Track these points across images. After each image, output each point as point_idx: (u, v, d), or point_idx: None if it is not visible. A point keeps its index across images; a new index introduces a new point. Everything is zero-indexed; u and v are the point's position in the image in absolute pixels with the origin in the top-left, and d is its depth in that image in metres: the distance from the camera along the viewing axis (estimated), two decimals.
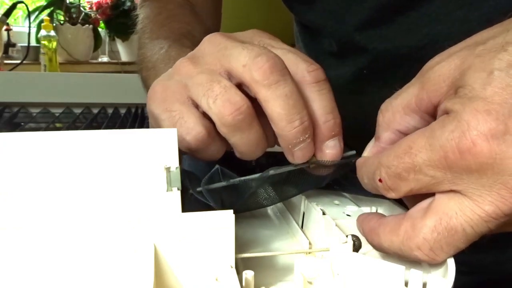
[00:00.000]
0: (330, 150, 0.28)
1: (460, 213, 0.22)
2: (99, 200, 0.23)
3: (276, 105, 0.25)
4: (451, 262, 0.23)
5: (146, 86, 0.47)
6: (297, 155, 0.27)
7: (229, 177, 0.28)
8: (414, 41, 0.42)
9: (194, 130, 0.27)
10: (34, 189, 0.22)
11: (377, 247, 0.26)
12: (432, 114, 0.25)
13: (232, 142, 0.27)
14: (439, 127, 0.22)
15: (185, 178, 0.27)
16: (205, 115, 0.27)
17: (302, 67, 0.27)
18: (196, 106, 0.28)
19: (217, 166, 0.28)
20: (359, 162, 0.27)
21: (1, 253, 0.21)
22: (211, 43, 0.28)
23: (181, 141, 0.27)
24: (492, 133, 0.20)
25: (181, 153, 0.27)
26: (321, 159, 0.28)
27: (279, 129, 0.26)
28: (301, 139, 0.26)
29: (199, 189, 0.27)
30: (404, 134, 0.26)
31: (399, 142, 0.24)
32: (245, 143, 0.27)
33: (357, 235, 0.27)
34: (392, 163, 0.23)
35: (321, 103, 0.27)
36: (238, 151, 0.28)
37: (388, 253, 0.25)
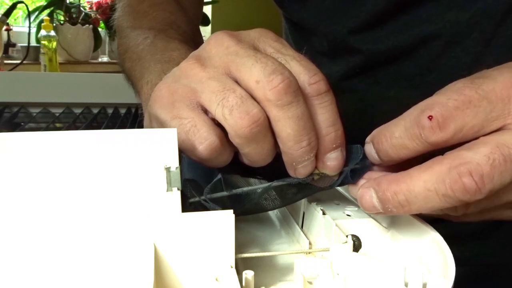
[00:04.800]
0: (331, 162, 0.27)
1: None
2: (99, 200, 0.23)
3: (287, 125, 0.25)
4: (451, 262, 0.23)
5: (131, 77, 0.46)
6: (299, 172, 0.27)
7: (231, 187, 0.27)
8: (405, 41, 0.43)
9: (208, 140, 0.26)
10: (34, 189, 0.22)
11: (404, 193, 0.23)
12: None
13: (245, 152, 0.27)
14: (501, 70, 0.23)
15: (187, 186, 0.27)
16: (215, 122, 0.26)
17: (304, 79, 0.26)
18: (206, 111, 0.27)
19: (219, 176, 0.27)
20: (375, 131, 0.26)
21: (1, 253, 0.21)
22: (218, 44, 0.27)
23: (192, 150, 0.26)
24: None
25: (181, 153, 0.27)
26: (323, 171, 0.27)
27: (286, 148, 0.26)
28: (306, 158, 0.26)
29: (202, 197, 0.27)
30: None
31: (456, 81, 0.24)
32: (259, 153, 0.26)
33: (357, 235, 0.27)
34: (450, 97, 0.23)
35: (323, 117, 0.26)
36: (250, 160, 0.27)
37: (411, 203, 0.23)
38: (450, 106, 0.23)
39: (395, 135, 0.24)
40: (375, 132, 0.26)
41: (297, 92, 0.25)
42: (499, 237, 0.49)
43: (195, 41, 0.48)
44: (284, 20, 0.58)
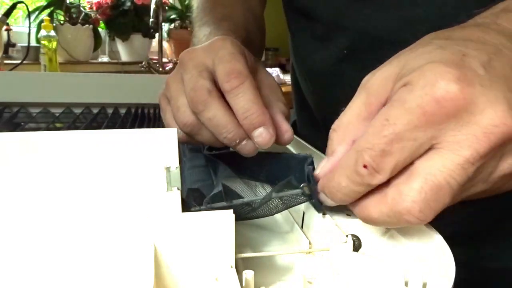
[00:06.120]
0: (257, 138, 0.33)
1: (442, 169, 0.23)
2: (99, 200, 0.23)
3: (208, 127, 0.34)
4: (451, 262, 0.23)
5: None
6: (241, 152, 0.34)
7: (231, 198, 0.29)
8: (391, 23, 0.44)
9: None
10: (34, 189, 0.22)
11: (367, 220, 0.26)
12: None
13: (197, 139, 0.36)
14: (407, 92, 0.23)
15: (189, 196, 0.29)
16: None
17: (221, 81, 0.34)
18: None
19: (220, 187, 0.29)
20: (321, 175, 0.28)
21: (1, 253, 0.21)
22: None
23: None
24: (459, 78, 0.22)
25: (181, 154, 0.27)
26: (255, 147, 0.34)
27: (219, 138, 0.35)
28: (236, 143, 0.34)
29: (202, 207, 0.28)
30: None
31: (371, 123, 0.24)
32: (204, 140, 0.36)
33: (357, 235, 0.27)
34: (373, 141, 0.24)
35: (236, 106, 0.33)
36: (207, 143, 0.37)
37: (378, 225, 0.26)
38: (377, 150, 0.23)
39: (342, 185, 0.25)
40: (322, 182, 0.28)
41: (206, 100, 0.33)
42: (497, 241, 0.49)
43: (247, 29, 0.54)
44: (284, 12, 0.61)
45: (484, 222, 0.49)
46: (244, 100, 0.33)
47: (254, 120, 0.32)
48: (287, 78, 1.72)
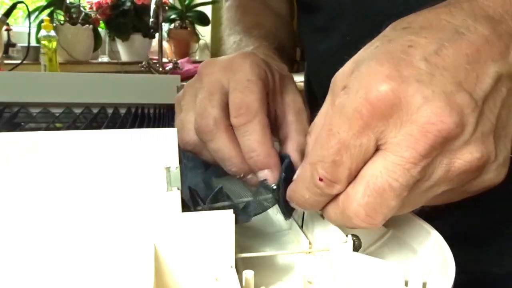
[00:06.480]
0: (261, 178, 0.31)
1: (383, 170, 0.22)
2: (99, 200, 0.23)
3: (213, 155, 0.32)
4: (451, 262, 0.23)
5: None
6: (248, 183, 0.32)
7: (231, 199, 0.29)
8: (391, 8, 0.44)
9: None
10: (34, 189, 0.22)
11: (331, 222, 0.27)
12: None
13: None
14: (345, 97, 0.23)
15: (189, 197, 0.29)
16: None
17: (230, 114, 0.32)
18: None
19: (220, 185, 0.29)
20: (289, 191, 0.28)
21: (1, 253, 0.21)
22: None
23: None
24: (389, 77, 0.22)
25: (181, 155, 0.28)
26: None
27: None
28: (241, 176, 0.32)
29: (199, 208, 0.28)
30: None
31: (318, 136, 0.24)
32: (208, 159, 0.34)
33: (357, 235, 0.27)
34: (323, 153, 0.23)
35: (243, 144, 0.31)
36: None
37: (343, 227, 0.26)
38: (328, 162, 0.23)
39: (306, 197, 0.25)
40: (288, 193, 0.28)
41: (212, 131, 0.31)
42: (498, 245, 0.48)
43: (278, 35, 0.54)
44: (295, 3, 0.62)
45: (487, 225, 0.48)
46: (250, 139, 0.31)
47: (258, 162, 0.31)
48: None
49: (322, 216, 0.29)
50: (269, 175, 0.31)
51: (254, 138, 0.31)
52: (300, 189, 0.26)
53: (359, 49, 0.26)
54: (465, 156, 0.23)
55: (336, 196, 0.25)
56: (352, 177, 0.24)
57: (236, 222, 0.24)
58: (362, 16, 0.47)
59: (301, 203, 0.26)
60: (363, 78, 0.23)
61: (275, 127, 0.35)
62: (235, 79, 0.33)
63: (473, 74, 0.23)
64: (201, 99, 0.33)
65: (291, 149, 0.33)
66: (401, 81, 0.22)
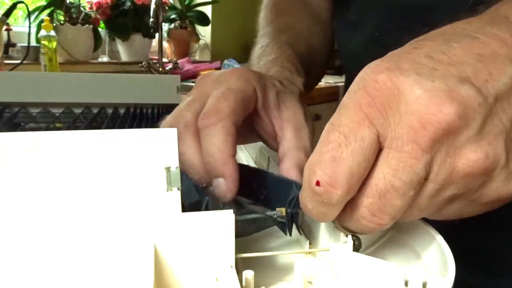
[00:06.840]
0: (215, 188, 0.29)
1: (387, 170, 0.22)
2: (99, 200, 0.23)
3: (182, 158, 0.31)
4: (451, 262, 0.23)
5: None
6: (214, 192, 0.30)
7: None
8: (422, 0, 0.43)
9: None
10: (34, 189, 0.22)
11: (351, 231, 0.26)
12: None
13: None
14: (347, 94, 0.23)
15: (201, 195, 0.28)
16: None
17: (199, 117, 0.31)
18: None
19: (207, 197, 0.27)
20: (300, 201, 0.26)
21: (1, 253, 0.21)
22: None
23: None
24: (388, 68, 0.22)
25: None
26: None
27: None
28: (203, 182, 0.30)
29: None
30: None
31: (320, 140, 0.24)
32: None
33: (357, 235, 0.27)
34: (322, 151, 0.22)
35: (203, 148, 0.30)
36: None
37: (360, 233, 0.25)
38: (327, 159, 0.22)
39: (309, 207, 0.24)
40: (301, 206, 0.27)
41: (181, 134, 0.30)
42: (509, 261, 0.45)
43: (309, 39, 0.53)
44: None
45: (496, 241, 0.46)
46: (209, 143, 0.29)
47: (213, 168, 0.29)
48: None
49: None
50: (221, 185, 0.29)
51: (213, 142, 0.29)
52: (303, 198, 0.24)
53: (386, 46, 0.26)
54: (469, 155, 0.21)
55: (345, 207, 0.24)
56: (354, 181, 0.22)
57: (248, 233, 0.24)
58: (390, 9, 0.47)
59: (308, 213, 0.25)
60: (364, 72, 0.23)
61: (275, 144, 0.34)
62: (217, 88, 0.32)
63: (485, 71, 0.22)
64: (182, 105, 0.33)
65: (290, 166, 0.31)
66: (399, 73, 0.22)
